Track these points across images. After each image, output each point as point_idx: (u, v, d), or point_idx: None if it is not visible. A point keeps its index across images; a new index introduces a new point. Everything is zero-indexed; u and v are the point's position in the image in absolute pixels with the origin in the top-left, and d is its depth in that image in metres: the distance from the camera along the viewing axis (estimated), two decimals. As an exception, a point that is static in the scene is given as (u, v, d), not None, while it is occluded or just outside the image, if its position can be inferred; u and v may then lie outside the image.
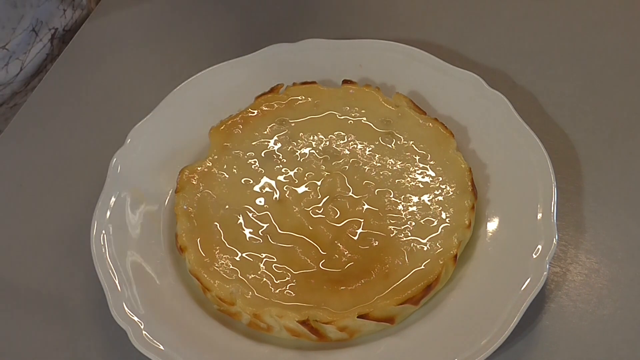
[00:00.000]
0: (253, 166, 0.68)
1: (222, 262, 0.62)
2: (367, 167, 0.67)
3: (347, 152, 0.68)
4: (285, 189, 0.66)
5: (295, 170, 0.67)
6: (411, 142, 0.67)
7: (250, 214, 0.65)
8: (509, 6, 0.81)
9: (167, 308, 0.61)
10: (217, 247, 0.63)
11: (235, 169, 0.67)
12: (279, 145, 0.69)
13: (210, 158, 0.68)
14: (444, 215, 0.63)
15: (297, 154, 0.68)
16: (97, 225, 0.64)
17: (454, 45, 0.77)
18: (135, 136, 0.70)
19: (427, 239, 0.62)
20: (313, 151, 0.68)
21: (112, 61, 0.82)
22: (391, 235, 0.62)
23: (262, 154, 0.68)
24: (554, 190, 0.62)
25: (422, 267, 0.60)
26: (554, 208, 0.61)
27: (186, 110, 0.72)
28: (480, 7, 0.81)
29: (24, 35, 0.81)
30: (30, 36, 0.81)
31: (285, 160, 0.68)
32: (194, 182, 0.66)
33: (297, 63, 0.74)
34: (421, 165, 0.66)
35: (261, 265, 0.62)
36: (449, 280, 0.61)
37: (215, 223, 0.64)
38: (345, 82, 0.71)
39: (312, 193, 0.66)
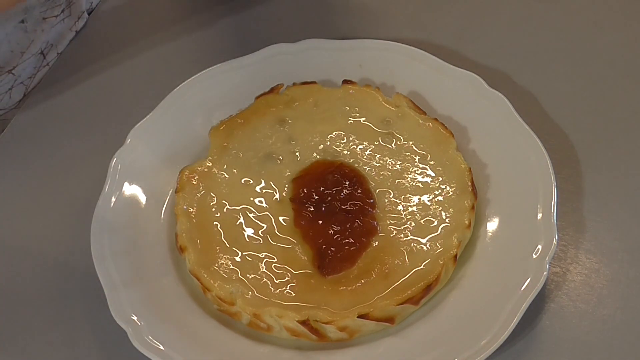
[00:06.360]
0: (253, 166, 0.68)
1: (222, 262, 0.62)
2: (367, 168, 0.67)
3: (347, 152, 0.68)
4: (285, 188, 0.66)
5: (295, 171, 0.67)
6: (411, 142, 0.67)
7: (251, 214, 0.65)
8: (509, 6, 0.81)
9: (167, 308, 0.61)
10: (217, 247, 0.63)
11: (235, 169, 0.67)
12: (279, 145, 0.69)
13: (210, 158, 0.68)
14: (444, 215, 0.63)
15: (297, 154, 0.68)
16: (97, 225, 0.65)
17: (454, 45, 0.77)
18: (135, 136, 0.70)
19: (427, 239, 0.62)
20: (313, 151, 0.68)
21: (112, 61, 0.82)
22: (391, 235, 0.62)
23: (262, 154, 0.68)
24: (554, 190, 0.62)
25: (422, 267, 0.60)
26: (554, 208, 0.61)
27: (186, 110, 0.72)
28: (480, 7, 0.81)
29: (31, 59, 0.79)
30: (38, 60, 0.80)
31: (285, 160, 0.68)
32: (194, 182, 0.66)
33: (297, 63, 0.74)
34: (421, 165, 0.66)
35: (261, 265, 0.62)
36: (449, 280, 0.61)
37: (215, 223, 0.64)
38: (345, 82, 0.71)
39: (312, 193, 0.66)
